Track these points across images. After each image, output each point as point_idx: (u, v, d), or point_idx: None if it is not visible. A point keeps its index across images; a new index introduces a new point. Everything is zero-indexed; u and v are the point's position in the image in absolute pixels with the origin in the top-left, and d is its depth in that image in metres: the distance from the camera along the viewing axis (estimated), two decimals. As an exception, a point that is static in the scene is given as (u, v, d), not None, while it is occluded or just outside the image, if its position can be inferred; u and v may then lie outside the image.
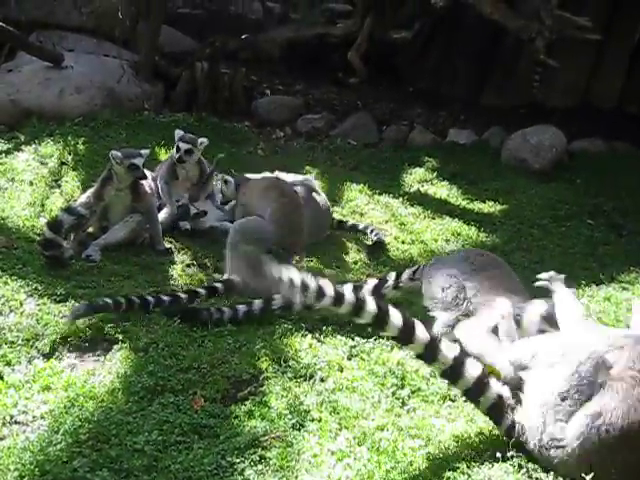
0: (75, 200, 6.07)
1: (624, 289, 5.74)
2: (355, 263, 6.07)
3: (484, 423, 3.81)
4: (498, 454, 3.57)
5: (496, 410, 3.63)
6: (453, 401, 4.06)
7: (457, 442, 3.65)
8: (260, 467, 3.41)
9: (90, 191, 5.86)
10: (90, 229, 5.85)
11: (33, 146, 7.51)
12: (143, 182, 5.88)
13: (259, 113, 9.90)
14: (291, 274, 3.49)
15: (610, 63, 10.18)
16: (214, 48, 9.95)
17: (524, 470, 3.47)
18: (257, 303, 4.90)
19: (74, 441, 3.53)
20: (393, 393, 4.07)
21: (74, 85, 8.74)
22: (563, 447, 3.35)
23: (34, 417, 3.76)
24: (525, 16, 9.11)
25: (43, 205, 6.28)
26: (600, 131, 9.39)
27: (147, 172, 6.19)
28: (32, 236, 5.68)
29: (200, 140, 6.45)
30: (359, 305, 3.55)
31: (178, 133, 6.55)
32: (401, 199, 7.54)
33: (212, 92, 9.51)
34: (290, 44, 11.18)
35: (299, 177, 6.72)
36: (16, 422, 3.73)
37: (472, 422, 3.84)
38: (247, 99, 10.01)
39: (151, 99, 9.34)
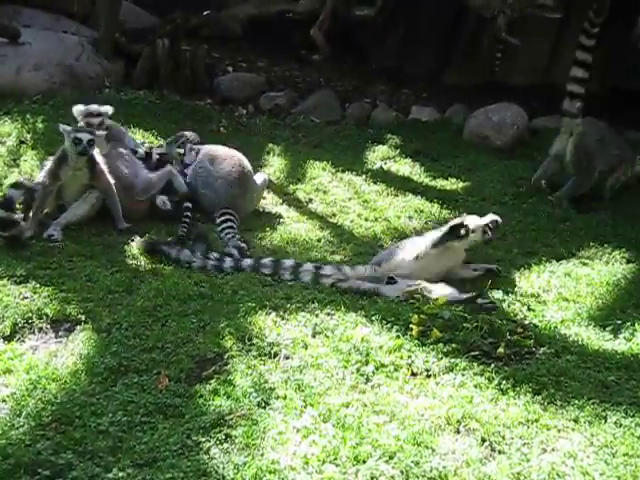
0: (33, 180, 5.96)
1: (584, 264, 5.81)
2: (319, 241, 6.07)
3: (447, 398, 3.87)
4: (462, 428, 3.63)
5: None
6: (415, 375, 4.11)
7: (421, 417, 3.70)
8: (226, 445, 3.42)
9: (45, 170, 5.76)
10: (46, 209, 5.77)
11: (-10, 124, 7.36)
12: (99, 161, 5.80)
13: (221, 90, 9.78)
14: None
15: (570, 41, 10.19)
16: (175, 25, 9.79)
17: (487, 443, 3.53)
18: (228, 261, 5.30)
19: (37, 424, 3.51)
20: (357, 369, 4.10)
21: (32, 62, 8.57)
22: None
23: (-5, 400, 3.73)
24: (487, -6, 9.13)
25: (1, 184, 6.16)
26: (560, 109, 9.47)
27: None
28: (-10, 217, 5.58)
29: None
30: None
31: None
32: (364, 176, 7.54)
33: (174, 69, 9.38)
34: (252, 21, 11.06)
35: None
36: (-23, 405, 3.69)
37: (435, 397, 3.88)
38: (209, 76, 9.88)
39: (111, 77, 9.20)
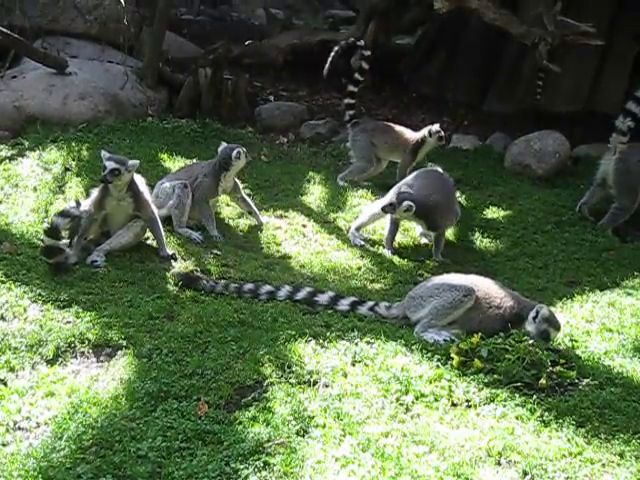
0: (79, 208, 6.05)
1: (628, 294, 5.71)
2: (359, 269, 6.06)
3: (488, 429, 3.81)
4: (503, 460, 3.57)
5: None
6: (455, 405, 4.06)
7: (461, 448, 3.65)
8: (264, 473, 3.41)
9: (91, 199, 5.85)
10: (91, 235, 5.85)
11: (37, 152, 7.52)
12: (143, 190, 5.87)
13: (263, 119, 9.90)
14: None
15: (613, 68, 10.18)
16: (218, 54, 9.97)
17: (529, 476, 3.47)
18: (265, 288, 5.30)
19: (78, 447, 3.53)
20: (397, 399, 4.07)
21: (78, 91, 8.75)
22: None
23: (38, 423, 3.77)
24: (528, 22, 9.12)
25: (47, 211, 6.28)
26: (603, 136, 9.38)
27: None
28: (36, 242, 5.68)
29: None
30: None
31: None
32: (405, 205, 7.52)
33: (216, 98, 9.52)
34: (294, 50, 11.21)
35: None
36: (20, 428, 3.74)
37: (475, 428, 3.83)
38: (250, 105, 10.02)
39: (155, 105, 9.37)
